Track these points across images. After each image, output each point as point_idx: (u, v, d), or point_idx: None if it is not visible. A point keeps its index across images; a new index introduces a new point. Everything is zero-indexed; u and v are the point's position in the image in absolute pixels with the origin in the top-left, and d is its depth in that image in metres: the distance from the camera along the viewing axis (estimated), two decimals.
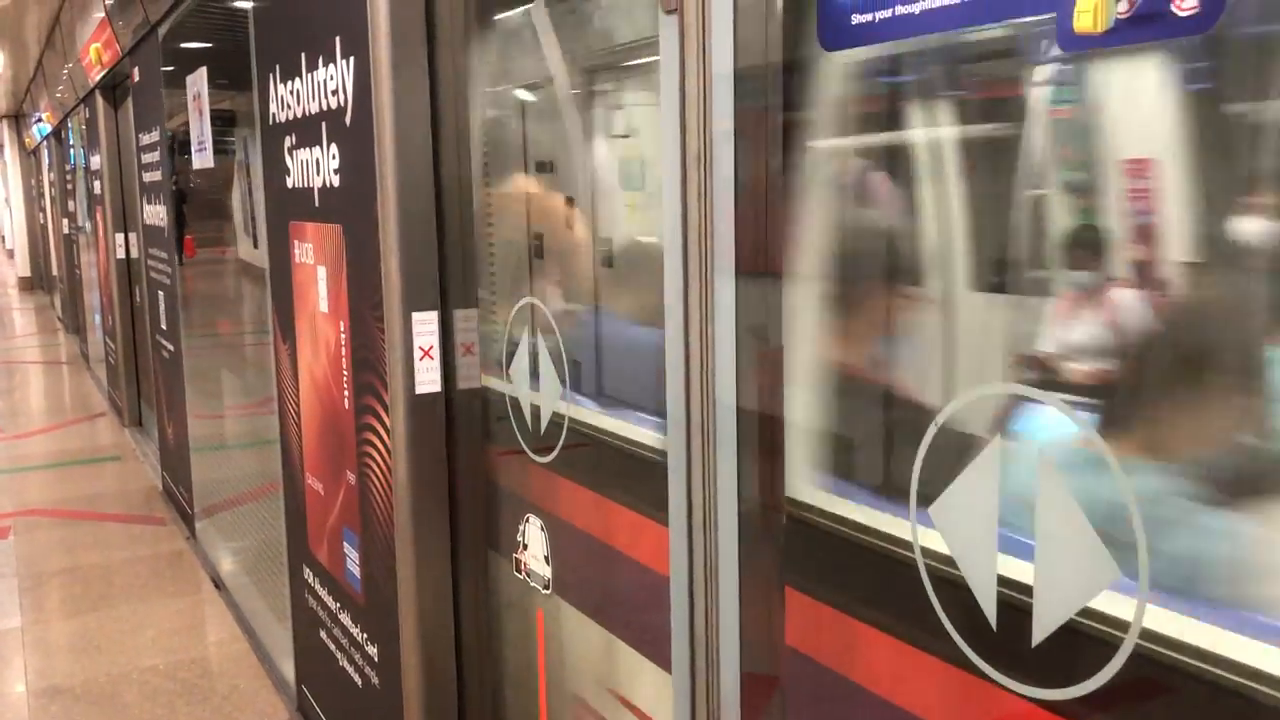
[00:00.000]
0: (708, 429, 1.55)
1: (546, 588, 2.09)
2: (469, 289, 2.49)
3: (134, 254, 8.31)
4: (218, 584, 4.97)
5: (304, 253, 3.03)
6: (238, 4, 3.88)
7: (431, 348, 2.46)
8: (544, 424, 2.07)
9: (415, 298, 2.44)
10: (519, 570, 2.22)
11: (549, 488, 2.10)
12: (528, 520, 2.16)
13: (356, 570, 2.85)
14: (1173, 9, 0.92)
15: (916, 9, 1.15)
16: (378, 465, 2.60)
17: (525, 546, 2.17)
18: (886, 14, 1.19)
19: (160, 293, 5.80)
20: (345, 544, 2.93)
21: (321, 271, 2.89)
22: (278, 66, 3.11)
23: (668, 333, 1.61)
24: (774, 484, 1.54)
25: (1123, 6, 0.95)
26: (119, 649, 4.27)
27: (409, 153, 2.39)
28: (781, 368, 1.53)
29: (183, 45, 4.91)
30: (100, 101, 8.09)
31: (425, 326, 2.45)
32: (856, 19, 1.22)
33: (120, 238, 8.25)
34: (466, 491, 2.54)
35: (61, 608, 4.75)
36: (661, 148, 1.59)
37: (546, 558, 2.08)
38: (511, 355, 2.21)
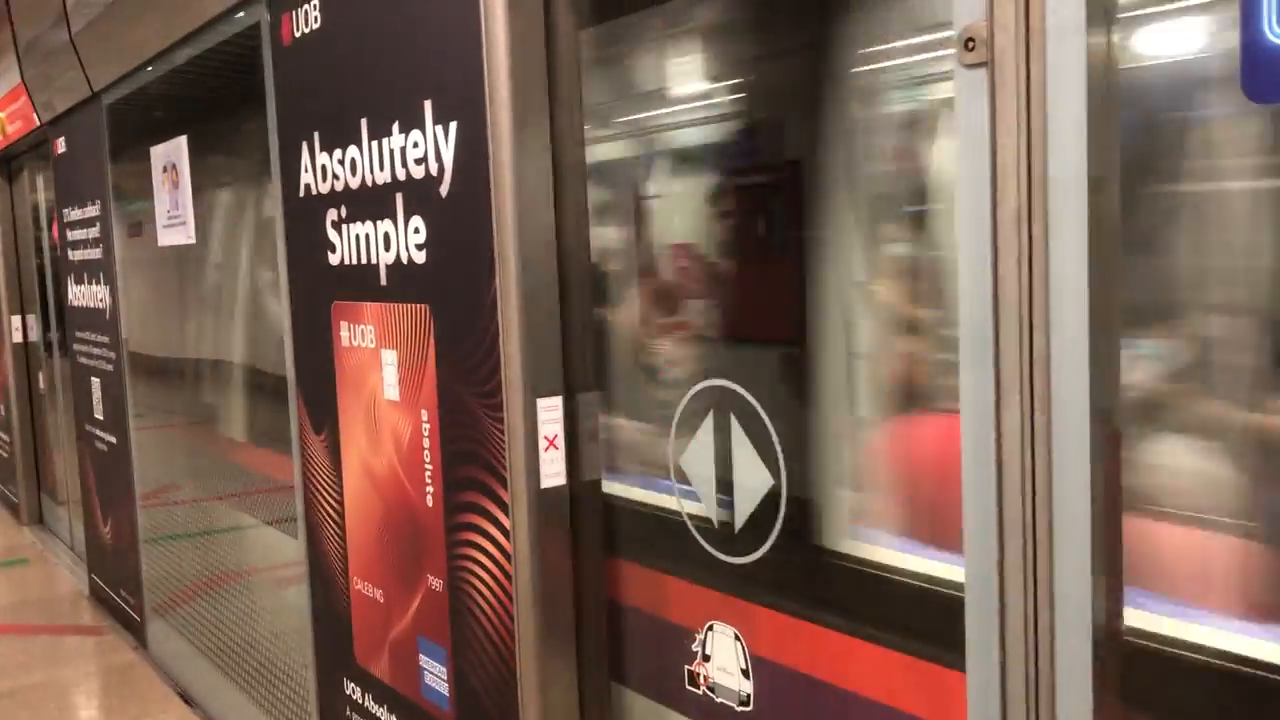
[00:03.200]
0: (1030, 560, 1.39)
1: (745, 704, 1.88)
2: (590, 371, 2.29)
3: (32, 338, 7.74)
4: (186, 699, 4.51)
5: (358, 335, 2.77)
6: (220, 71, 3.59)
7: (556, 436, 2.24)
8: (739, 521, 1.88)
9: (539, 382, 2.22)
10: (694, 684, 2.00)
11: (747, 595, 1.89)
12: (710, 629, 1.95)
13: (442, 686, 2.56)
14: None
15: None
16: (484, 569, 2.35)
17: (706, 658, 1.96)
18: None
19: (95, 380, 5.34)
20: (423, 656, 2.64)
21: (389, 356, 2.63)
22: (316, 134, 2.86)
23: (964, 427, 1.45)
24: (1114, 612, 1.38)
25: None
26: None
27: (531, 226, 2.19)
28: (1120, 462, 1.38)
29: (134, 113, 4.56)
30: None
31: (550, 414, 2.23)
32: None
33: (17, 320, 7.66)
34: (591, 594, 2.31)
35: None
36: (959, 208, 1.44)
37: (745, 671, 1.87)
38: (684, 445, 2.01)
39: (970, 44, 1.40)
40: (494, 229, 2.19)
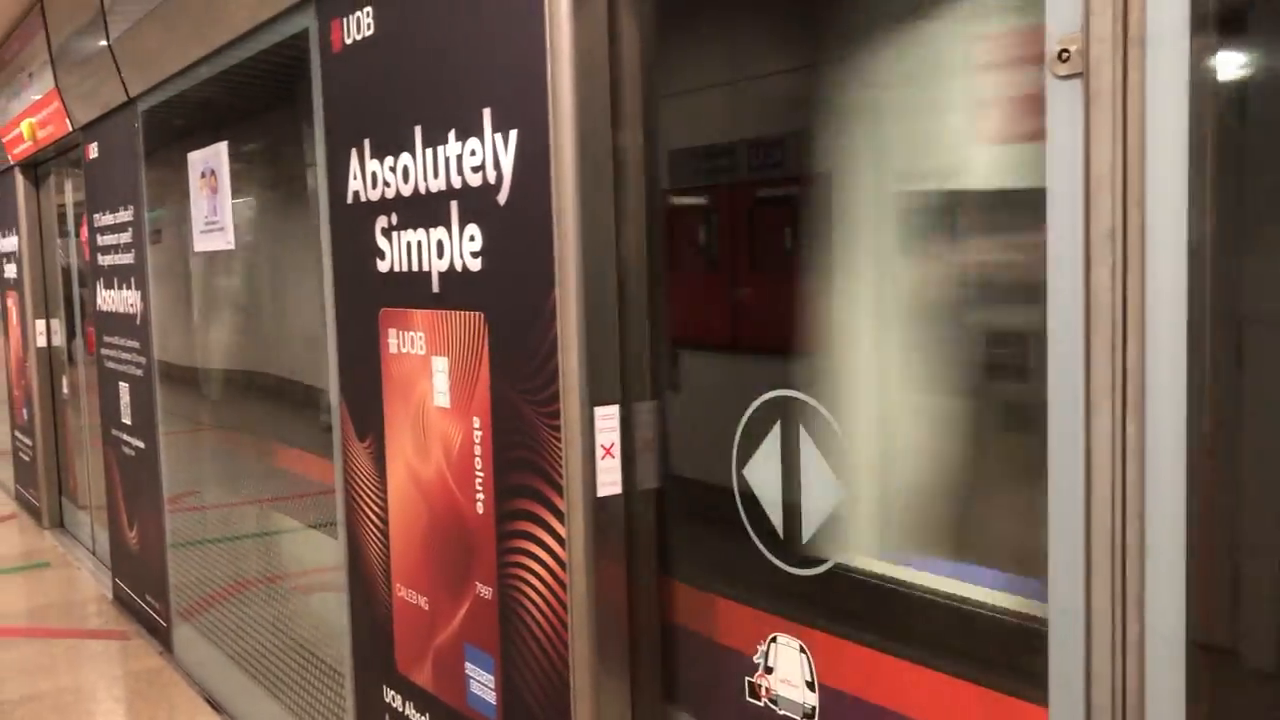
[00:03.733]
0: (1120, 577, 1.37)
1: (810, 717, 1.87)
2: (646, 379, 2.28)
3: (55, 342, 7.76)
4: (214, 705, 4.51)
5: (407, 342, 2.77)
6: (277, 76, 3.61)
7: (613, 445, 2.24)
8: (806, 531, 1.87)
9: (597, 391, 2.21)
10: (756, 696, 1.99)
11: (814, 606, 1.88)
12: (773, 640, 1.94)
13: (490, 695, 2.56)
14: None
15: None
16: (536, 576, 2.34)
17: (768, 670, 1.95)
18: None
19: (124, 384, 5.35)
20: (469, 664, 2.63)
21: (440, 363, 2.63)
22: (366, 141, 2.87)
23: (1051, 436, 1.44)
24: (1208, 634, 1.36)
25: None
26: None
27: (593, 235, 2.18)
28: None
29: (171, 118, 4.57)
30: (20, 179, 7.57)
31: (607, 422, 2.23)
32: None
33: (41, 324, 7.68)
34: (644, 602, 2.31)
35: None
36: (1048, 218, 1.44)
37: (810, 683, 1.86)
38: (748, 452, 2.01)
39: (1064, 54, 1.40)
40: (554, 238, 2.19)
